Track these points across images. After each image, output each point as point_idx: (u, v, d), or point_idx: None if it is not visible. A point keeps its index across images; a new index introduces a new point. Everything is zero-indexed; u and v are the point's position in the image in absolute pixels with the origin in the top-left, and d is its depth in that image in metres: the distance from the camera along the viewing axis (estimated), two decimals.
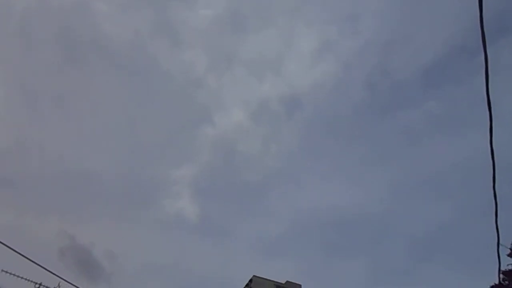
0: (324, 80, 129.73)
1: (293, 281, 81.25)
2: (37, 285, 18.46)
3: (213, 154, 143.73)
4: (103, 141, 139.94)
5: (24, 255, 10.70)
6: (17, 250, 10.38)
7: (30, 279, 18.22)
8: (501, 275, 23.58)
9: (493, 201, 4.60)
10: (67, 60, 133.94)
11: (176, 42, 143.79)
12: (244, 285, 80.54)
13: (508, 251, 23.59)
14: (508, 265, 23.76)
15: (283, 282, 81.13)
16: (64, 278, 13.64)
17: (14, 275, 17.84)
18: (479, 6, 3.58)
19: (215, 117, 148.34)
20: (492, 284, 24.85)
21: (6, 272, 17.76)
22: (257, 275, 79.07)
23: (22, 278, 17.99)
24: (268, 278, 79.70)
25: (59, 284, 18.55)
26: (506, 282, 23.59)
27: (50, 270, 12.08)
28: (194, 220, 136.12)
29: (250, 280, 78.50)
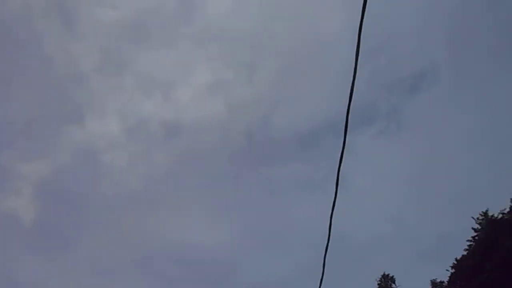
0: (209, 116, 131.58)
1: None
2: None
3: (73, 157, 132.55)
4: None
5: None
6: None
7: None
8: None
9: (322, 269, 5.10)
10: None
11: (70, 29, 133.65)
12: None
13: None
14: None
15: None
16: None
17: None
18: (349, 96, 4.07)
19: (87, 120, 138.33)
20: None
21: None
22: None
23: None
24: None
25: None
26: None
27: None
28: (28, 224, 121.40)
29: None
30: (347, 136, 4.41)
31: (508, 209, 28.82)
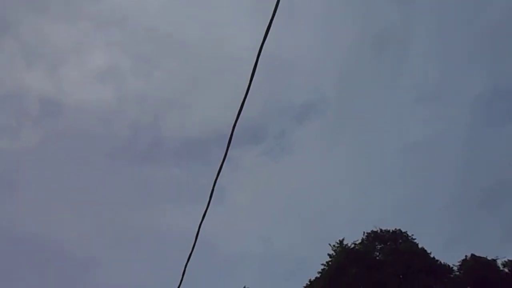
0: (94, 102, 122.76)
1: None
2: None
3: None
4: None
5: None
6: None
7: None
8: None
9: (181, 276, 5.03)
10: None
11: None
12: None
13: None
14: None
15: None
16: None
17: None
18: (238, 111, 4.13)
19: None
20: None
21: None
22: None
23: None
24: None
25: None
26: None
27: None
28: None
29: None
30: (230, 150, 4.48)
31: (360, 241, 32.57)
